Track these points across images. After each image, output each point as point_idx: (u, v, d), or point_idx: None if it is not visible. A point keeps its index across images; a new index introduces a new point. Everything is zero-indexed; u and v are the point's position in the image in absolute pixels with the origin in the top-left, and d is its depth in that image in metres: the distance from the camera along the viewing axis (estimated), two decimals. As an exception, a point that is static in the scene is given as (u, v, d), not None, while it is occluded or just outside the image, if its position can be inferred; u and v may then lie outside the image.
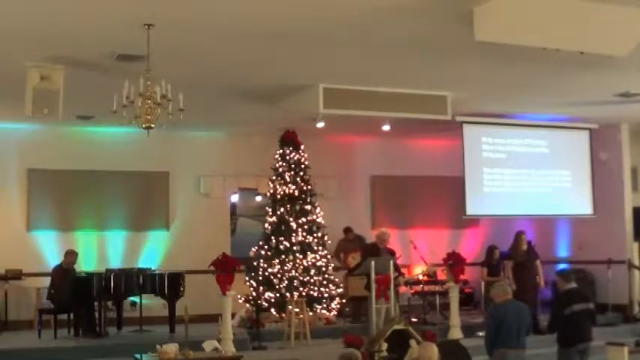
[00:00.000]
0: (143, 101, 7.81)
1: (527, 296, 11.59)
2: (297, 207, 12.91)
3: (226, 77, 10.02)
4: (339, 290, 12.79)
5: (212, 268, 10.32)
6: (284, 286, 12.39)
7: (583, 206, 13.96)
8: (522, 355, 7.88)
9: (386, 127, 12.52)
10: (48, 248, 13.02)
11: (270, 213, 12.96)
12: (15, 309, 12.61)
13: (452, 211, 15.02)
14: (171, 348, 8.25)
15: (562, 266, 13.49)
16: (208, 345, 8.56)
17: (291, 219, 12.77)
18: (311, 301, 12.24)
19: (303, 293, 12.24)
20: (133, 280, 11.74)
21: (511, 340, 7.77)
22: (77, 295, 11.36)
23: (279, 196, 12.94)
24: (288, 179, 12.95)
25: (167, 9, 7.20)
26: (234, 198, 14.92)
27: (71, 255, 12.02)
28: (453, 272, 12.01)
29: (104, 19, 7.40)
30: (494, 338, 7.81)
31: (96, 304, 11.46)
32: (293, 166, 13.03)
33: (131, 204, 13.71)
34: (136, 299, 12.41)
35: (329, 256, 12.92)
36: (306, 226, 12.81)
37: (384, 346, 8.86)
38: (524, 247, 12.35)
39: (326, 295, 12.58)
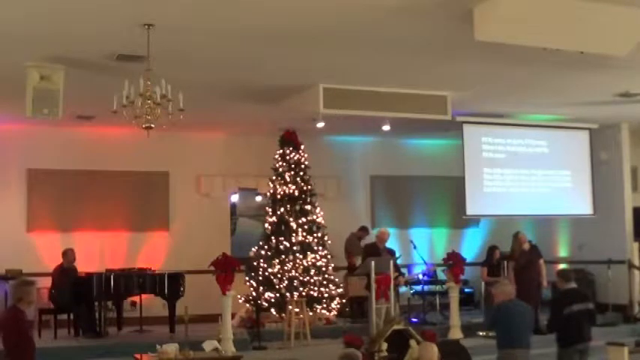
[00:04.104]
0: (143, 101, 7.82)
1: (531, 296, 11.58)
2: (297, 207, 12.90)
3: (226, 77, 10.02)
4: (339, 290, 12.79)
5: (212, 268, 10.33)
6: (284, 286, 12.39)
7: (583, 206, 13.95)
8: (527, 354, 7.87)
9: (386, 127, 12.52)
10: (48, 248, 13.00)
11: (270, 213, 12.96)
12: (15, 309, 12.59)
13: (452, 211, 15.04)
14: (172, 348, 8.25)
15: (562, 266, 13.48)
16: (208, 345, 8.56)
17: (291, 219, 12.77)
18: (311, 301, 12.24)
19: (303, 293, 12.23)
20: (133, 280, 11.75)
21: (517, 340, 7.75)
22: (77, 295, 11.38)
23: (279, 196, 12.93)
24: (288, 179, 12.95)
25: (167, 9, 7.20)
26: (234, 198, 14.92)
27: (69, 253, 12.03)
28: (452, 272, 12.01)
29: (104, 19, 7.41)
30: (499, 335, 7.81)
31: (96, 304, 11.48)
32: (293, 166, 13.03)
33: (131, 204, 13.70)
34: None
35: (329, 256, 12.92)
36: (306, 226, 12.81)
37: (384, 346, 8.86)
38: (525, 246, 12.33)
39: (326, 295, 12.57)
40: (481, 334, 11.39)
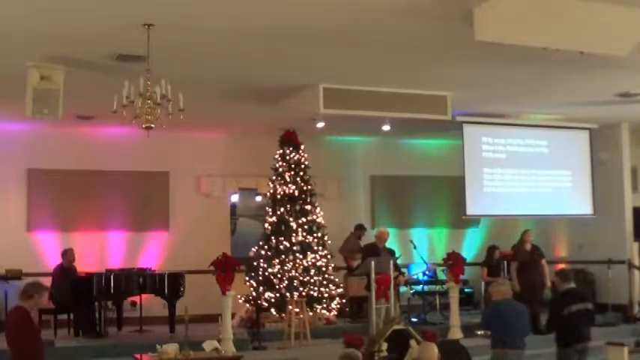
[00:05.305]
0: (143, 101, 7.82)
1: (535, 297, 11.61)
2: (297, 207, 12.90)
3: (226, 77, 10.02)
4: (339, 290, 12.79)
5: (212, 268, 10.33)
6: (284, 286, 12.38)
7: (583, 206, 13.95)
8: (522, 355, 7.88)
9: (386, 127, 12.51)
10: (48, 248, 13.02)
11: (270, 213, 12.95)
12: (15, 309, 12.59)
13: (452, 211, 15.03)
14: (172, 348, 8.26)
15: (562, 266, 13.48)
16: (208, 345, 8.57)
17: (291, 219, 12.77)
18: (311, 301, 12.23)
19: (303, 293, 12.23)
20: (133, 280, 11.76)
21: (510, 340, 7.78)
22: (77, 295, 11.38)
23: (279, 196, 12.93)
24: (288, 179, 12.94)
25: (167, 9, 7.20)
26: (234, 198, 14.92)
27: (69, 253, 12.05)
28: (452, 272, 12.01)
29: (104, 19, 7.40)
30: (493, 335, 7.83)
31: (96, 304, 11.49)
32: (293, 166, 13.02)
33: (131, 204, 13.69)
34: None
35: (329, 256, 12.92)
36: (306, 226, 12.80)
37: (384, 346, 8.86)
38: (527, 246, 12.35)
39: (326, 295, 12.57)
40: (479, 333, 11.38)
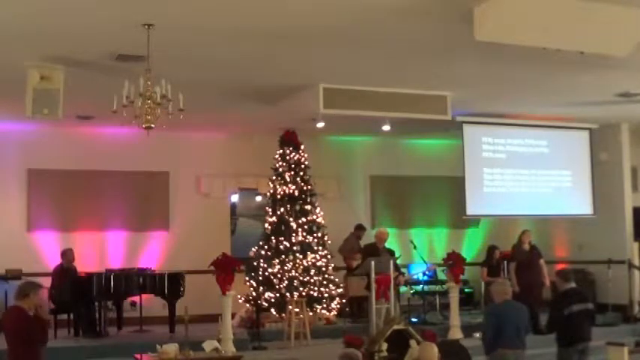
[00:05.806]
0: (143, 101, 7.82)
1: (533, 296, 11.61)
2: (297, 207, 12.90)
3: (226, 77, 10.02)
4: (339, 290, 12.79)
5: (212, 268, 10.33)
6: (284, 286, 12.39)
7: (583, 206, 13.95)
8: (522, 355, 7.88)
9: (386, 127, 12.52)
10: (48, 248, 13.01)
11: (270, 213, 12.95)
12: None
13: (452, 211, 15.03)
14: (172, 348, 8.26)
15: (562, 266, 13.47)
16: (208, 345, 8.57)
17: (291, 219, 12.77)
18: (311, 301, 12.24)
19: (303, 293, 12.23)
20: (133, 280, 11.76)
21: (510, 340, 7.77)
22: (77, 295, 11.38)
23: (279, 196, 12.93)
24: (288, 179, 12.95)
25: (167, 9, 7.20)
26: (234, 198, 14.92)
27: (68, 253, 12.05)
28: (452, 272, 12.01)
29: (104, 19, 7.41)
30: (492, 337, 7.81)
31: (96, 304, 11.49)
32: (293, 166, 13.03)
33: (131, 204, 13.69)
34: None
35: (329, 256, 12.92)
36: (306, 226, 12.80)
37: (384, 346, 8.86)
38: (525, 246, 12.35)
39: (326, 295, 12.58)
40: (477, 335, 11.36)
